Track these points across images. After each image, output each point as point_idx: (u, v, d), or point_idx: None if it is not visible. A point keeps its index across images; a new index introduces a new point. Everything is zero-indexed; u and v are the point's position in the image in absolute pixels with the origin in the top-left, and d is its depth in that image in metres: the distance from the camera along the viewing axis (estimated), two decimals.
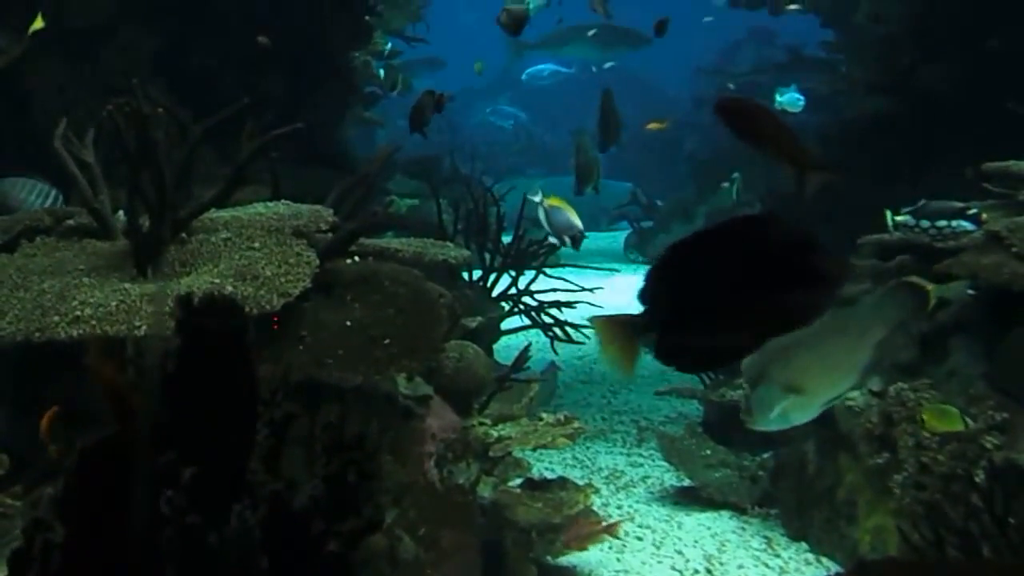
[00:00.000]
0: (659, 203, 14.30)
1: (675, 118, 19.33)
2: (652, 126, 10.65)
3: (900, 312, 3.29)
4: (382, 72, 10.21)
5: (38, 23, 4.58)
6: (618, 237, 14.64)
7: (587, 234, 9.51)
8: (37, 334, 3.18)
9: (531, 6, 6.11)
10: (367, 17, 7.99)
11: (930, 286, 3.41)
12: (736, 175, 10.73)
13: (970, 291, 4.56)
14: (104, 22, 6.10)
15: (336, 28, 7.47)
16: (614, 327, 1.96)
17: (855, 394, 4.62)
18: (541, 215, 5.33)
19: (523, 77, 20.61)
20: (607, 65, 13.94)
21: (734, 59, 21.02)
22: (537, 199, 5.43)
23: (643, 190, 14.64)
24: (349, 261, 4.01)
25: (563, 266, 7.11)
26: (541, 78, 20.68)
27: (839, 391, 3.01)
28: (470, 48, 18.97)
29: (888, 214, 5.27)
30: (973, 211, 4.79)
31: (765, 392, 2.99)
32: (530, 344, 5.47)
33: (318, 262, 3.59)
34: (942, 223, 4.77)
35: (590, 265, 7.69)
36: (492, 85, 23.71)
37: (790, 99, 8.46)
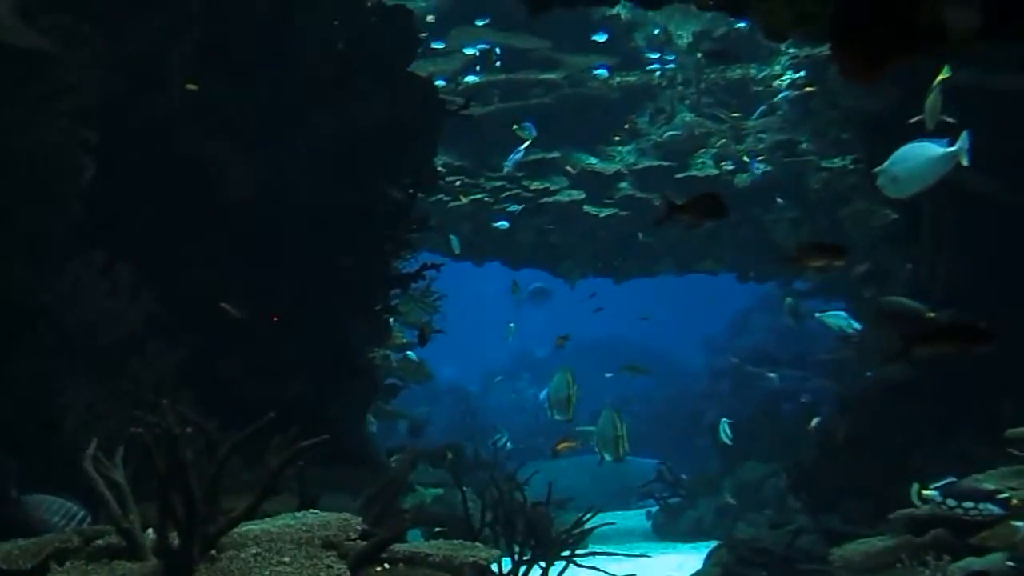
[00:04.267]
0: (684, 477, 14.16)
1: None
2: (563, 446, 10.44)
3: None
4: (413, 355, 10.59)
5: None
6: (645, 515, 14.38)
7: (614, 517, 9.42)
8: None
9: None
10: (387, 316, 8.23)
11: None
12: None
13: (1009, 563, 4.49)
14: (131, 337, 6.24)
15: (356, 329, 7.68)
16: None
17: None
18: None
19: None
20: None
21: (746, 326, 21.41)
22: None
23: (665, 464, 14.52)
24: (379, 569, 3.97)
25: (594, 554, 6.95)
26: None
27: None
28: (488, 334, 19.46)
29: (915, 488, 5.25)
30: (1003, 495, 4.78)
31: None
32: None
33: (349, 574, 3.56)
34: (968, 504, 4.75)
35: (619, 552, 7.53)
36: (511, 366, 24.10)
37: None
